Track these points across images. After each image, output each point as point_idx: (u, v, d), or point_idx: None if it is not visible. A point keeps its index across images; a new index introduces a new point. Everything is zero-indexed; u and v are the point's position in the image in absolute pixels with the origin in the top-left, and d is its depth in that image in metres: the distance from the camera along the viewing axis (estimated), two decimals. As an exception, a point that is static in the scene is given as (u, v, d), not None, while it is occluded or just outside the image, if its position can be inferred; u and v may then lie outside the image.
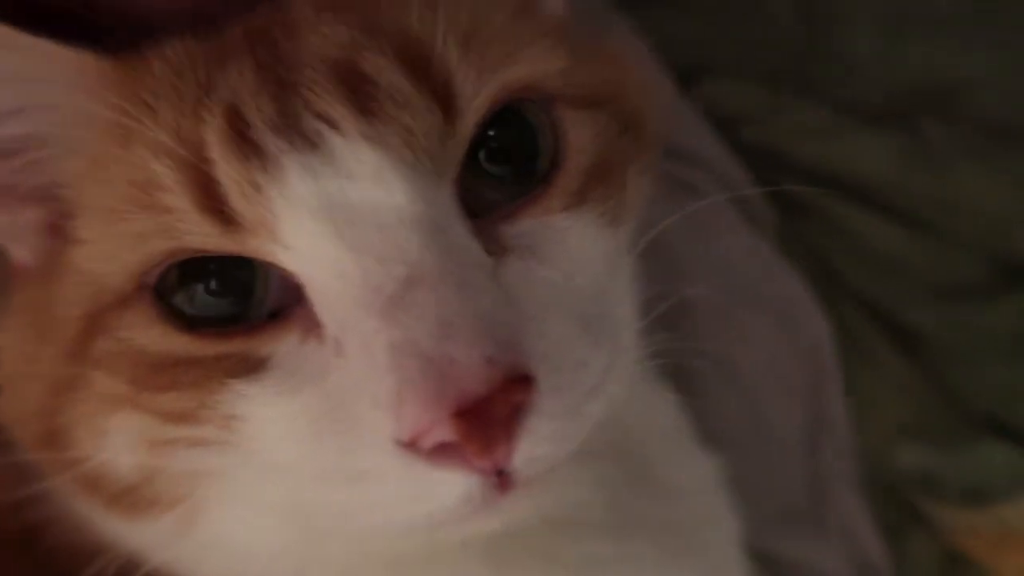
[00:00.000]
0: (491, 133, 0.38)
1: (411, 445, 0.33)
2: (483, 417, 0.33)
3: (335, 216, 0.35)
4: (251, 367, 0.36)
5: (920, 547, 0.69)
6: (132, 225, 0.37)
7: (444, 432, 0.33)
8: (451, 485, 0.34)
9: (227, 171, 0.35)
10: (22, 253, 0.42)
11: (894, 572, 0.69)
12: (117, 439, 0.38)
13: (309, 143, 0.36)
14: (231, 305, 0.37)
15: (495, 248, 0.37)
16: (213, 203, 0.36)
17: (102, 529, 0.42)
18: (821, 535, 0.68)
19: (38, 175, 0.40)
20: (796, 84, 0.83)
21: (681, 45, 0.49)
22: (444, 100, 0.37)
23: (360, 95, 0.36)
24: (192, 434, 0.37)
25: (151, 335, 0.37)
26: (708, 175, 0.76)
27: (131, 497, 0.40)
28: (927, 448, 0.73)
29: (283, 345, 0.36)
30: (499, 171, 0.39)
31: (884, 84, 0.85)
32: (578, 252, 0.39)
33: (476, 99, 0.37)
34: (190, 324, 0.37)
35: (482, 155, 0.38)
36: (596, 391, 0.37)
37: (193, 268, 0.37)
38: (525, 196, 0.39)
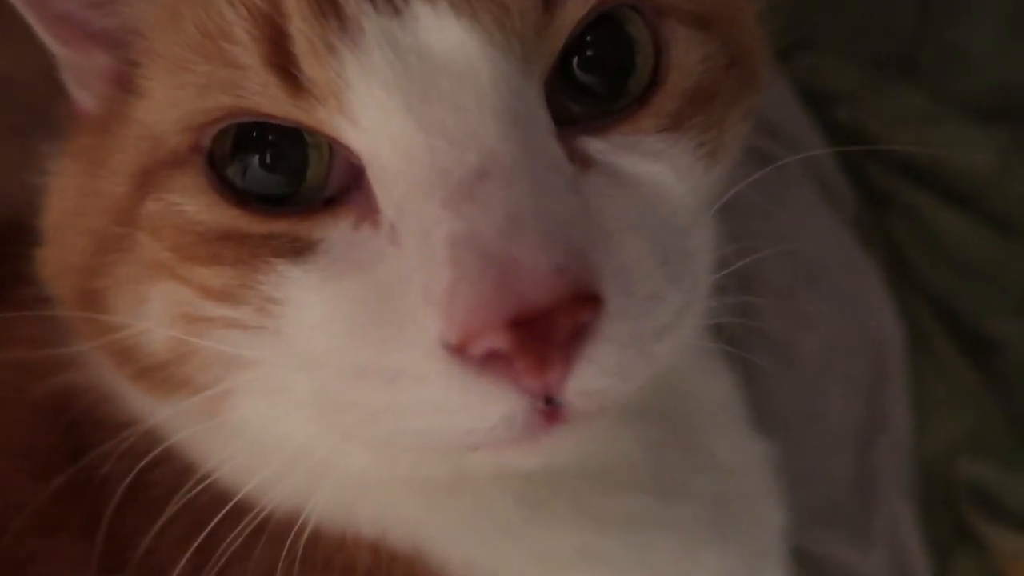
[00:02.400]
0: (588, 39, 0.36)
1: (458, 349, 0.31)
2: (541, 332, 0.30)
3: (410, 90, 0.33)
4: (298, 249, 0.35)
5: (965, 566, 0.67)
6: (196, 76, 0.35)
7: (496, 340, 0.30)
8: (494, 401, 0.32)
9: (301, 27, 0.33)
10: (86, 98, 0.41)
11: (935, 588, 0.66)
12: (154, 309, 0.37)
13: (392, 7, 0.33)
14: (283, 184, 0.35)
15: (578, 159, 0.35)
16: (283, 63, 0.34)
17: (127, 403, 0.42)
18: (864, 538, 0.66)
19: (112, 16, 0.39)
20: (901, 69, 0.79)
21: (782, 12, 0.46)
22: None
23: None
24: (229, 315, 0.36)
25: (200, 203, 0.36)
26: (790, 150, 0.73)
27: (161, 374, 0.39)
28: (987, 464, 0.69)
29: (335, 230, 0.35)
30: (590, 81, 0.36)
31: (993, 81, 0.80)
32: (667, 179, 0.36)
33: None
34: (240, 199, 0.35)
35: (575, 62, 0.36)
36: (667, 331, 0.34)
37: (248, 138, 0.35)
38: (617, 112, 0.36)
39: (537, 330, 0.30)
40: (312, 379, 0.35)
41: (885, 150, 0.75)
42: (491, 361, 0.31)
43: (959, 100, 0.77)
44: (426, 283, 0.32)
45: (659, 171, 0.36)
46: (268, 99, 0.34)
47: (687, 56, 0.38)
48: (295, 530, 0.39)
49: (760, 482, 0.51)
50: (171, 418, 0.40)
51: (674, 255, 0.35)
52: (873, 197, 0.76)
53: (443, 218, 0.32)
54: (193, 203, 0.36)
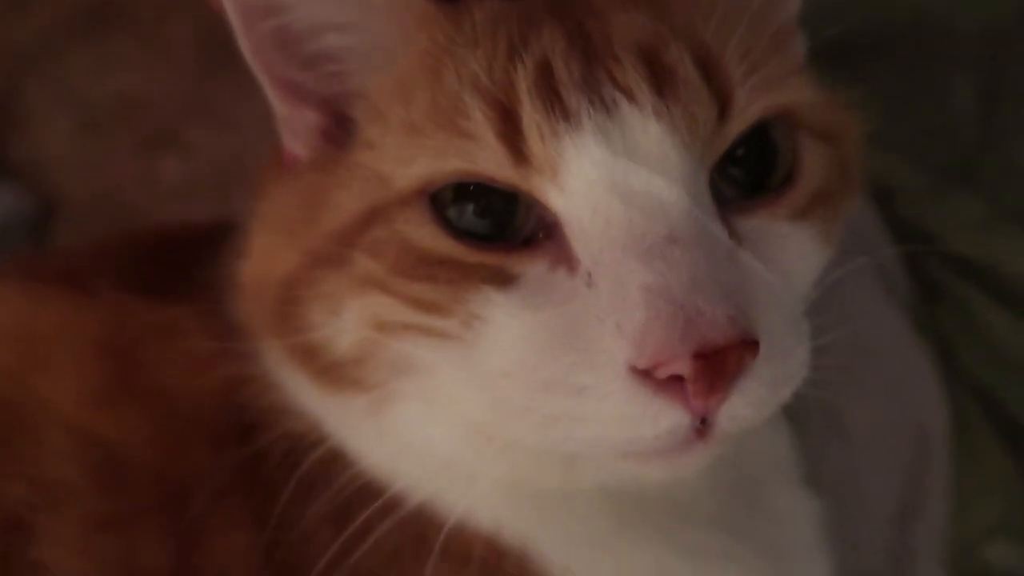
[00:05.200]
0: (741, 145, 0.44)
1: (643, 373, 0.38)
2: (715, 364, 0.38)
3: (616, 172, 0.41)
4: (503, 280, 0.42)
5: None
6: (432, 140, 0.43)
7: (681, 366, 0.38)
8: (664, 416, 0.39)
9: (531, 113, 0.41)
10: (296, 146, 0.49)
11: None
12: (352, 316, 0.44)
13: (605, 108, 0.42)
14: (490, 227, 0.43)
15: (734, 236, 0.43)
16: (511, 139, 0.42)
17: (294, 395, 0.49)
18: (894, 608, 0.69)
19: (333, 85, 0.47)
20: (961, 176, 0.84)
21: (857, 111, 0.53)
22: (723, 101, 0.43)
23: (658, 78, 0.42)
24: (433, 324, 0.42)
25: (423, 232, 0.43)
26: (855, 239, 0.78)
27: (339, 372, 0.45)
28: (1017, 550, 0.72)
29: (533, 269, 0.42)
30: (739, 174, 0.44)
31: (1047, 195, 0.85)
32: (796, 258, 0.44)
33: (747, 110, 0.43)
34: (457, 234, 0.43)
35: (729, 159, 0.44)
36: (792, 378, 0.42)
37: (466, 190, 0.43)
38: (759, 199, 0.44)
39: (712, 362, 0.38)
40: (497, 388, 0.41)
41: (942, 249, 0.80)
42: (668, 384, 0.38)
43: (1015, 210, 0.83)
44: (619, 320, 0.39)
45: (791, 251, 0.44)
46: (495, 165, 0.42)
47: (813, 163, 0.46)
48: (427, 521, 0.45)
49: (810, 535, 0.55)
50: (336, 413, 0.47)
51: (798, 318, 0.43)
52: (928, 290, 0.80)
53: (638, 270, 0.39)
54: (417, 231, 0.43)
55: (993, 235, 0.82)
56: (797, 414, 0.58)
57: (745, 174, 0.44)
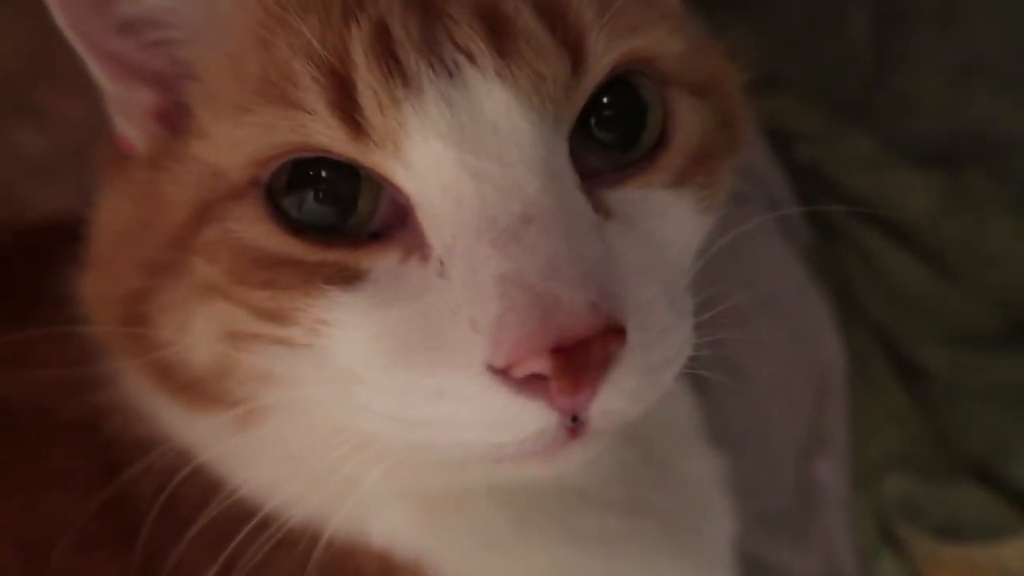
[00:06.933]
0: (604, 100, 0.40)
1: (502, 372, 0.35)
2: (577, 358, 0.34)
3: (462, 144, 0.37)
4: (349, 278, 0.38)
5: (889, 570, 0.73)
6: (261, 117, 0.38)
7: (540, 364, 0.34)
8: (529, 418, 0.36)
9: (368, 80, 0.37)
10: (131, 132, 0.44)
11: (862, 590, 0.73)
12: (201, 328, 0.40)
13: (446, 71, 0.37)
14: (334, 216, 0.38)
15: (600, 209, 0.39)
16: (347, 109, 0.37)
17: (160, 422, 0.45)
18: (802, 544, 0.72)
19: (164, 58, 0.42)
20: (856, 113, 0.85)
21: (749, 54, 0.51)
22: (574, 52, 0.38)
23: (499, 35, 0.38)
24: (278, 333, 0.39)
25: (258, 231, 0.39)
26: (756, 187, 0.79)
27: (200, 388, 0.42)
28: (912, 479, 0.76)
29: (383, 262, 0.38)
30: (606, 137, 0.40)
31: (939, 129, 0.86)
32: (673, 229, 0.41)
33: (603, 59, 0.39)
34: (295, 229, 0.39)
35: (593, 120, 0.40)
36: (673, 361, 0.39)
37: (304, 175, 0.39)
38: (630, 167, 0.40)
39: (574, 357, 0.34)
40: (353, 396, 0.38)
41: (838, 188, 0.81)
42: (529, 383, 0.35)
43: (907, 145, 0.84)
44: (473, 314, 0.35)
45: (667, 221, 0.40)
46: (330, 138, 0.37)
47: (689, 120, 0.42)
48: (311, 540, 0.42)
49: (715, 495, 0.55)
50: (203, 434, 0.43)
51: (678, 295, 0.40)
52: (824, 232, 0.82)
53: (491, 257, 0.35)
54: (251, 231, 0.39)
55: (888, 173, 0.83)
56: (698, 375, 0.59)
57: (614, 138, 0.40)
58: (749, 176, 0.76)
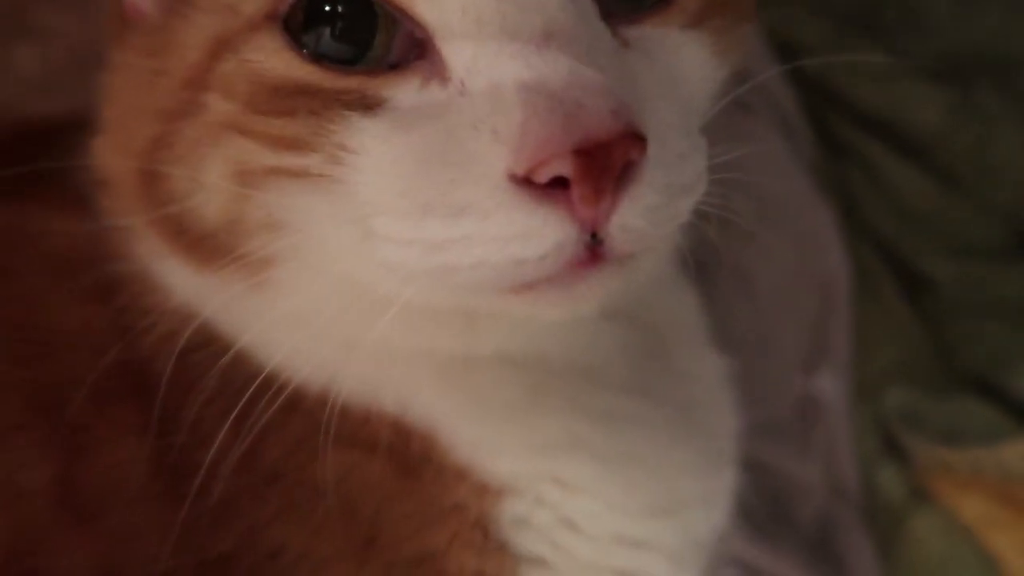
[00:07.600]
0: None
1: (524, 179, 0.35)
2: (599, 161, 0.34)
3: None
4: (370, 104, 0.38)
5: (890, 479, 0.74)
6: None
7: (562, 165, 0.34)
8: (550, 230, 0.36)
9: None
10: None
11: (862, 498, 0.73)
12: (215, 170, 0.40)
13: None
14: (351, 53, 0.38)
15: (619, 38, 0.39)
16: None
17: (172, 287, 0.46)
18: (803, 451, 0.72)
19: None
20: (865, 25, 0.84)
21: None
22: None
23: None
24: (296, 163, 0.39)
25: (276, 60, 0.39)
26: (761, 98, 0.78)
27: (210, 243, 0.42)
28: (914, 390, 0.76)
29: (403, 89, 0.38)
30: None
31: (949, 43, 0.86)
32: (689, 67, 0.41)
33: None
34: (315, 58, 0.39)
35: None
36: (689, 189, 0.39)
37: (320, 12, 0.38)
38: (648, 7, 0.41)
39: (596, 159, 0.34)
40: (373, 230, 0.38)
41: (846, 101, 0.81)
42: (550, 192, 0.35)
43: (915, 59, 0.83)
44: (495, 124, 0.36)
45: (682, 58, 0.41)
46: None
47: None
48: (325, 404, 0.43)
49: (718, 392, 0.56)
50: (213, 295, 0.43)
51: (692, 130, 0.40)
52: (831, 145, 0.81)
53: (513, 68, 0.36)
54: (270, 60, 0.39)
55: (895, 86, 0.82)
56: (704, 276, 0.59)
57: None
58: (756, 89, 0.76)
